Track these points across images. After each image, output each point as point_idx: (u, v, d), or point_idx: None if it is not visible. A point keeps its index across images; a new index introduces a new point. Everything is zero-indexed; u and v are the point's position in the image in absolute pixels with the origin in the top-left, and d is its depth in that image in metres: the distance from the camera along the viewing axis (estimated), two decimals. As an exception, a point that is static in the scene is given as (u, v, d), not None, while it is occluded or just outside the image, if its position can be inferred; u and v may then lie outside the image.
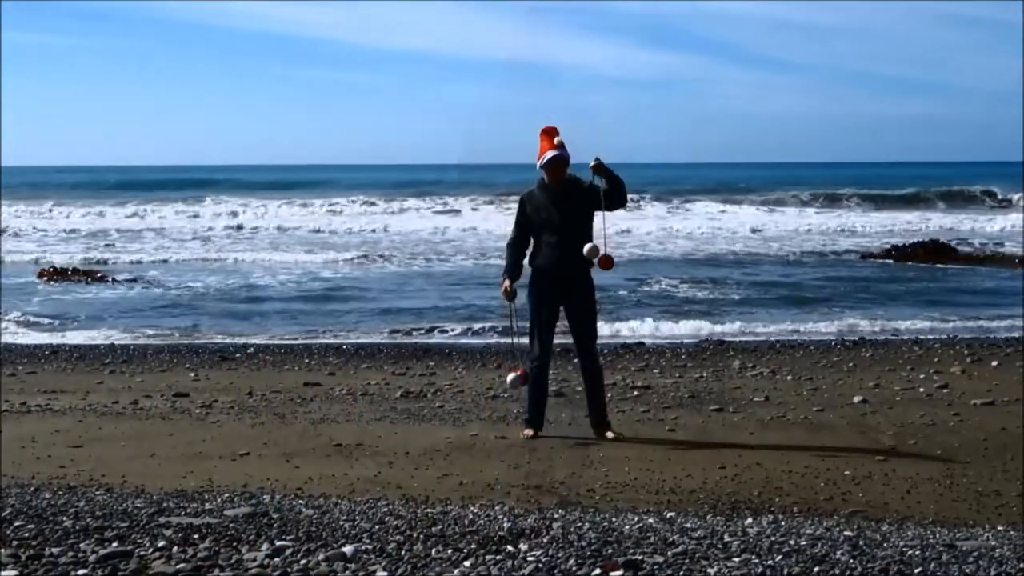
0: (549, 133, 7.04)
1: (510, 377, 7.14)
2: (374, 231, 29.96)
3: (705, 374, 9.76)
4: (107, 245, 26.07)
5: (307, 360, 10.68)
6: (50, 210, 35.44)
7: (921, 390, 8.92)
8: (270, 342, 12.13)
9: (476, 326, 12.99)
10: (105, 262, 21.70)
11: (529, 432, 7.15)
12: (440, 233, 29.18)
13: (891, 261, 21.54)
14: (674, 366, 10.25)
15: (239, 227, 30.81)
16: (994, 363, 10.17)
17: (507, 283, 7.13)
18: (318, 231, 30.07)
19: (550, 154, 7.00)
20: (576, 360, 9.74)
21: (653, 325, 12.96)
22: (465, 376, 9.75)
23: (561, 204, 7.03)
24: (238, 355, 11.01)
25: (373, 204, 38.29)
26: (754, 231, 29.32)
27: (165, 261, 22.05)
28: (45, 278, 18.08)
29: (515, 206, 7.36)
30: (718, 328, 12.94)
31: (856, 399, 8.49)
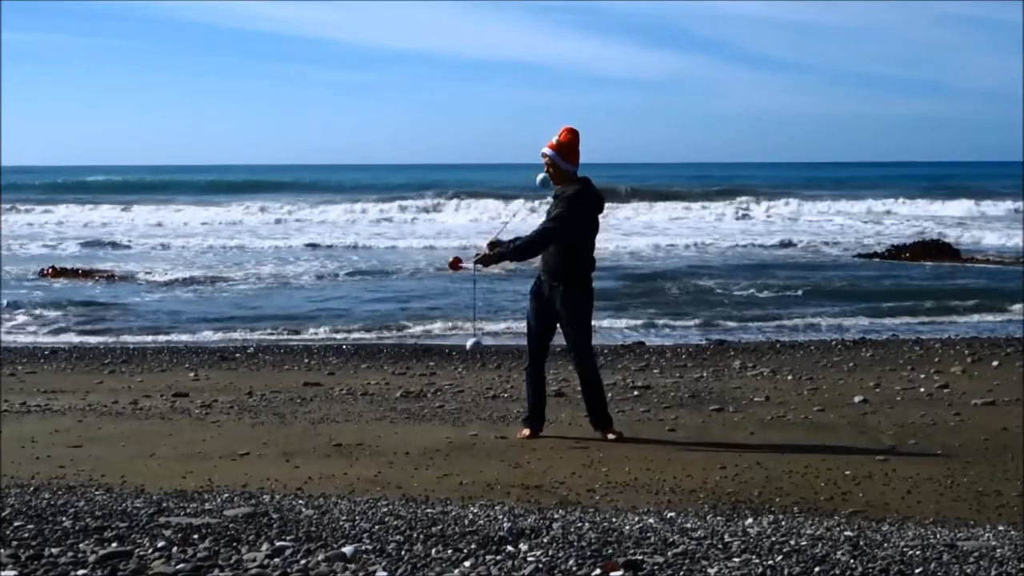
0: (560, 133, 6.99)
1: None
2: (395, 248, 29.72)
3: (705, 374, 9.76)
4: (112, 244, 26.11)
5: (307, 360, 10.68)
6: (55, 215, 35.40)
7: (922, 390, 8.91)
8: (270, 342, 12.13)
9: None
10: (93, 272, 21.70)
11: (526, 432, 7.14)
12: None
13: (878, 259, 21.54)
14: (674, 366, 10.25)
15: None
16: (995, 363, 10.16)
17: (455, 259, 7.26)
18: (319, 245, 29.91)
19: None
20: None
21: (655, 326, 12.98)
22: (465, 376, 9.74)
23: (552, 208, 6.99)
24: (238, 355, 11.00)
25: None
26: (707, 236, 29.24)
27: (229, 278, 21.81)
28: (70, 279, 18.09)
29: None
30: (717, 329, 12.95)
31: (856, 399, 8.48)
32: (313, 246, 25.26)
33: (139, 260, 22.38)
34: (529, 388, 7.19)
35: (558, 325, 7.13)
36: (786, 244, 25.54)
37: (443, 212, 36.64)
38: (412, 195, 42.79)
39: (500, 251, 7.02)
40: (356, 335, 12.64)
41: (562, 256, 6.94)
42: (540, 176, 7.05)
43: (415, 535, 4.24)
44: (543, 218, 7.11)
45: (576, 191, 6.91)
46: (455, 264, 7.31)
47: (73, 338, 12.51)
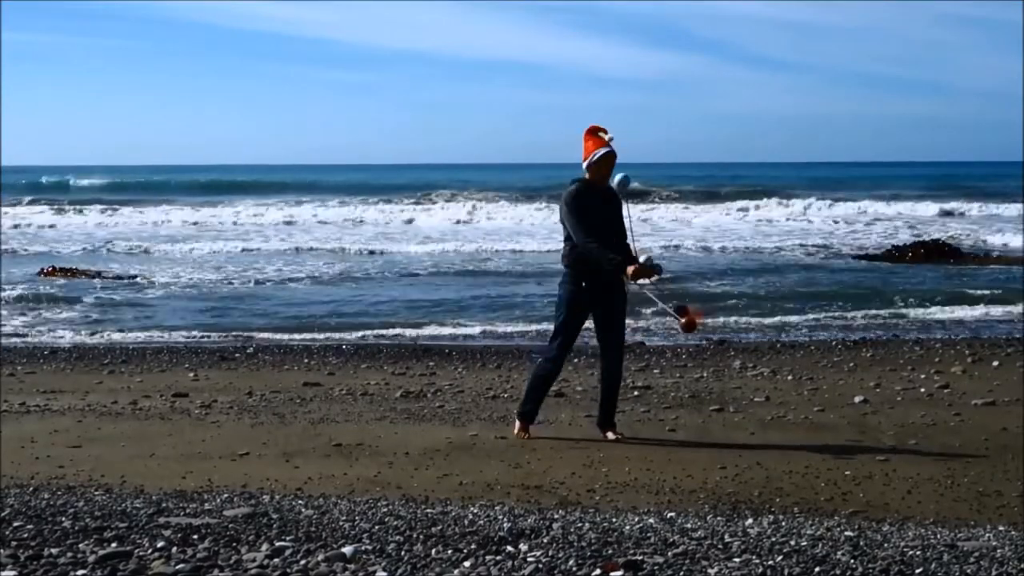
0: (596, 131, 6.88)
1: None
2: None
3: (705, 374, 9.76)
4: (111, 244, 26.04)
5: (307, 360, 10.67)
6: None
7: (922, 390, 8.91)
8: (270, 342, 12.12)
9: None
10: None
11: (523, 433, 7.13)
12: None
13: (878, 260, 21.48)
14: (674, 366, 10.25)
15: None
16: (995, 363, 10.16)
17: (639, 264, 6.84)
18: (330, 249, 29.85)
19: (603, 151, 6.82)
20: (577, 360, 9.75)
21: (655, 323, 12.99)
22: (465, 376, 9.74)
23: (606, 206, 6.93)
24: (237, 355, 11.00)
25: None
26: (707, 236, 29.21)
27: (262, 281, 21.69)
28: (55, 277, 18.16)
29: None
30: (717, 329, 12.95)
31: (857, 399, 8.48)
32: (313, 249, 25.22)
33: (138, 260, 22.39)
34: (543, 383, 7.15)
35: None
36: (786, 244, 25.51)
37: (443, 213, 36.62)
38: (412, 195, 42.83)
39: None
40: (356, 335, 12.63)
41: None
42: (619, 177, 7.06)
43: (415, 535, 4.23)
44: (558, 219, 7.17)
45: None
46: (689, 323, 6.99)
47: (73, 338, 12.51)
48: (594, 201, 6.89)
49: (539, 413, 7.27)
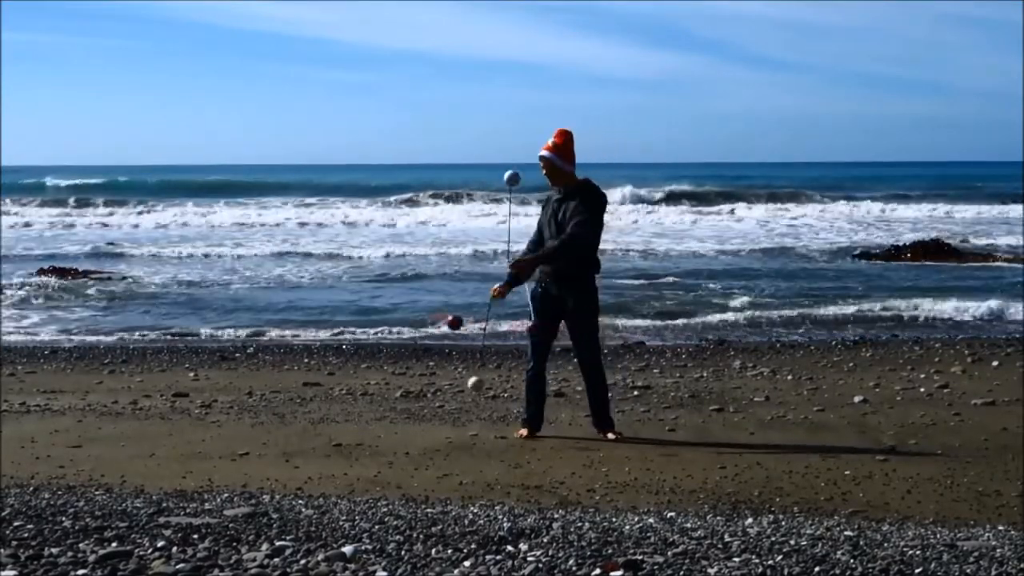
0: (554, 135, 6.99)
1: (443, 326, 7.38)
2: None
3: (705, 374, 9.76)
4: (110, 244, 26.00)
5: (307, 360, 10.68)
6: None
7: (922, 390, 8.91)
8: (270, 342, 12.13)
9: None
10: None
11: (523, 432, 7.14)
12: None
13: (878, 260, 21.44)
14: (674, 366, 10.25)
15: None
16: (995, 363, 10.16)
17: (498, 287, 7.08)
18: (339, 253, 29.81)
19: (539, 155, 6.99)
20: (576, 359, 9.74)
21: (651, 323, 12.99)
22: (465, 376, 9.73)
23: (560, 208, 6.96)
24: (237, 355, 11.00)
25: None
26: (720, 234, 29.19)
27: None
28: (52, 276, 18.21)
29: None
30: (717, 329, 12.94)
31: (856, 399, 8.48)
32: (312, 252, 25.18)
33: (138, 261, 22.38)
34: (532, 391, 7.17)
35: (560, 326, 7.15)
36: (785, 244, 25.52)
37: (444, 212, 36.62)
38: (412, 195, 42.83)
39: (531, 259, 6.99)
40: (356, 335, 12.64)
41: (574, 258, 6.96)
42: (508, 173, 7.15)
43: (415, 535, 4.24)
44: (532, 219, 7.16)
45: (593, 194, 6.97)
46: (454, 324, 7.27)
47: (73, 338, 12.52)
48: (550, 205, 7.05)
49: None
